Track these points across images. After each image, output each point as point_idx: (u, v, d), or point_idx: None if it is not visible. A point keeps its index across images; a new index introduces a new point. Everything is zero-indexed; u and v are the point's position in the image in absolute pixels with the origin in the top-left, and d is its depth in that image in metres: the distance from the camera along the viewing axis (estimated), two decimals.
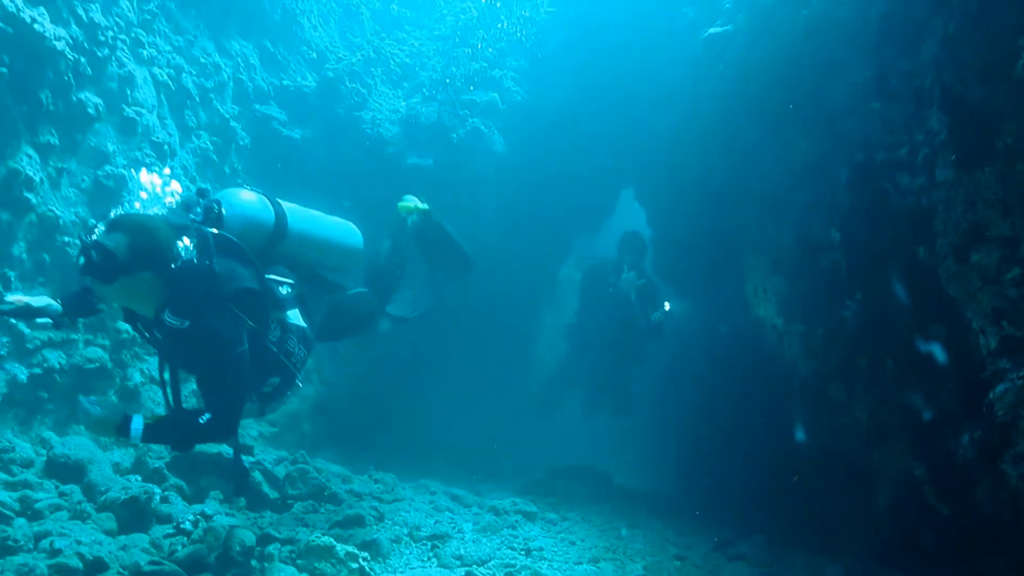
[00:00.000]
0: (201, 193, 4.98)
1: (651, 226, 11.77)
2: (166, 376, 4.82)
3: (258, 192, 5.38)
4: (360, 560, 5.49)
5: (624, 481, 10.76)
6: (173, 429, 4.60)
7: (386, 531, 6.65)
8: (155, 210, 4.74)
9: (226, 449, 7.01)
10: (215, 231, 4.77)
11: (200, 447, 6.74)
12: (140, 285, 4.36)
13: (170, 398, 4.82)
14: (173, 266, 4.41)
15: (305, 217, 5.65)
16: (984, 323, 6.20)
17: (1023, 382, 5.75)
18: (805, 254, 8.60)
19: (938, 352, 7.19)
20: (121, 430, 4.31)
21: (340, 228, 6.03)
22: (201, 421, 4.44)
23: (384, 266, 6.82)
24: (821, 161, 8.26)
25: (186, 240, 4.52)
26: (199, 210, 4.87)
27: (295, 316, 5.29)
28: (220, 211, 4.97)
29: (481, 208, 11.05)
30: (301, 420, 9.34)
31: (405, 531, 6.71)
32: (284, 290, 5.20)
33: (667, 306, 9.49)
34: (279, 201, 5.44)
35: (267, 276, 5.05)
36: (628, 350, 10.03)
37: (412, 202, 7.02)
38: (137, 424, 4.33)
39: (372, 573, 5.64)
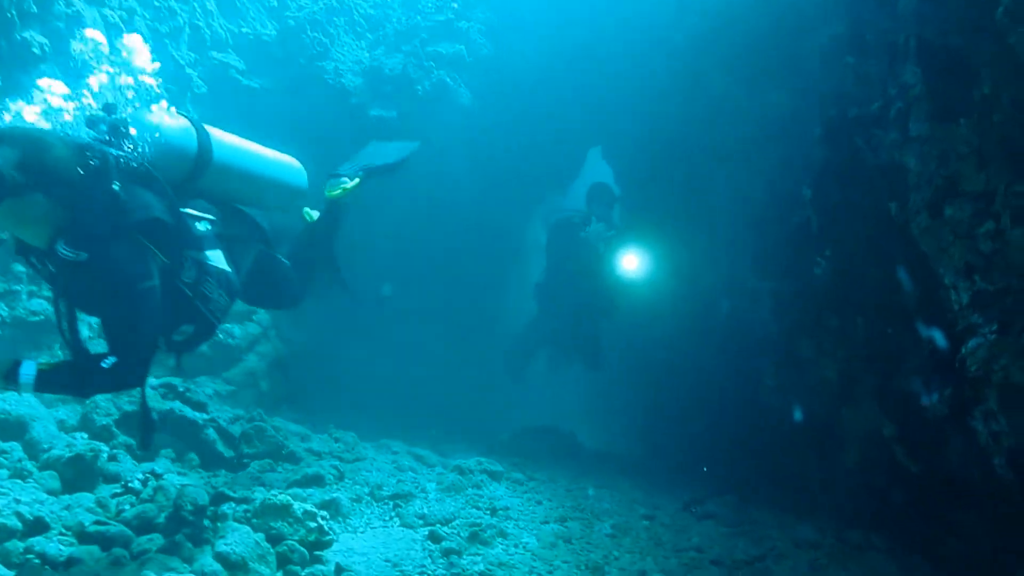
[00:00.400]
0: (108, 109, 4.34)
1: (619, 184, 11.57)
2: (63, 319, 4.22)
3: (184, 115, 4.77)
4: (319, 519, 5.31)
5: (591, 443, 10.65)
6: (71, 375, 4.10)
7: (346, 490, 6.48)
8: (52, 124, 4.12)
9: (179, 405, 6.78)
10: (122, 153, 4.21)
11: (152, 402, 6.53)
12: (30, 209, 3.80)
13: (68, 339, 4.22)
14: (69, 189, 3.87)
15: (238, 150, 5.07)
16: (956, 278, 6.10)
17: (995, 336, 5.66)
18: (776, 210, 8.46)
19: (908, 309, 7.11)
20: (9, 377, 3.84)
21: (280, 165, 5.47)
22: (104, 366, 3.93)
23: (304, 248, 6.14)
24: (794, 116, 8.11)
25: (88, 161, 3.95)
26: (104, 128, 4.25)
27: (216, 258, 4.70)
28: (128, 131, 4.32)
29: (447, 164, 10.79)
30: (258, 378, 9.09)
31: (366, 490, 6.54)
32: (202, 226, 4.64)
33: (635, 260, 9.23)
34: (208, 128, 4.84)
35: (184, 210, 4.48)
36: (597, 304, 9.79)
37: (341, 188, 6.23)
38: (28, 370, 3.84)
39: (331, 532, 5.46)
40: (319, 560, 5.16)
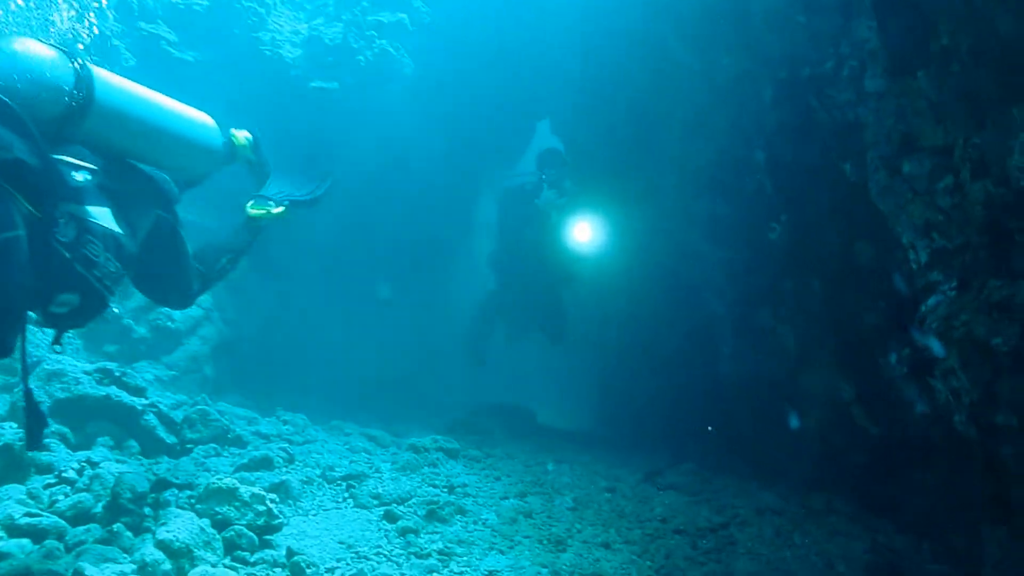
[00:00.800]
0: None
1: (569, 154, 11.36)
2: None
3: (60, 49, 3.96)
4: (267, 502, 5.04)
5: (548, 419, 10.50)
6: None
7: (297, 472, 6.22)
8: None
9: (115, 390, 6.44)
10: None
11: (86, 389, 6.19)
12: None
13: None
14: None
15: (131, 94, 4.34)
16: (914, 236, 6.02)
17: (955, 293, 5.59)
18: (730, 176, 8.34)
19: (866, 271, 7.05)
20: None
21: (185, 120, 4.74)
22: None
23: (216, 254, 5.39)
24: (745, 79, 7.96)
25: None
26: None
27: (102, 216, 3.95)
28: None
29: (391, 137, 10.49)
30: (202, 363, 8.74)
31: (317, 472, 6.28)
32: (80, 177, 3.91)
33: (587, 230, 8.99)
34: (95, 68, 4.11)
35: (56, 156, 3.78)
36: (556, 272, 9.53)
37: (265, 209, 5.63)
38: None
39: (282, 516, 5.20)
40: (269, 544, 4.90)
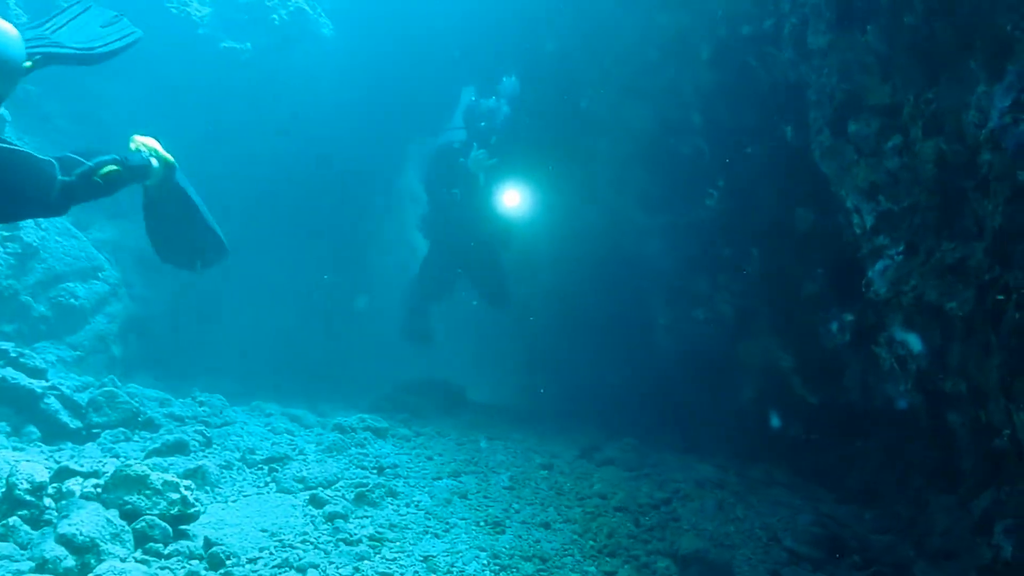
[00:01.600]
0: None
1: (497, 120, 10.93)
2: None
3: None
4: (182, 489, 4.59)
5: (479, 396, 10.14)
6: None
7: (215, 457, 5.76)
8: None
9: (12, 372, 5.88)
10: None
11: None
12: None
13: None
14: None
15: None
16: (859, 200, 5.84)
17: (903, 258, 5.43)
18: (665, 141, 8.08)
19: (806, 237, 6.88)
20: None
21: None
22: None
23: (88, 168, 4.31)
24: (682, 38, 7.68)
25: None
26: None
27: None
28: None
29: (307, 103, 9.92)
30: (109, 342, 8.11)
31: (237, 456, 5.83)
32: None
33: (517, 196, 8.53)
34: None
35: None
36: (491, 233, 9.05)
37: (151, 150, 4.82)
38: None
39: (198, 504, 4.76)
40: (184, 535, 4.46)
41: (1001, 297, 4.30)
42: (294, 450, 6.15)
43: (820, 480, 6.66)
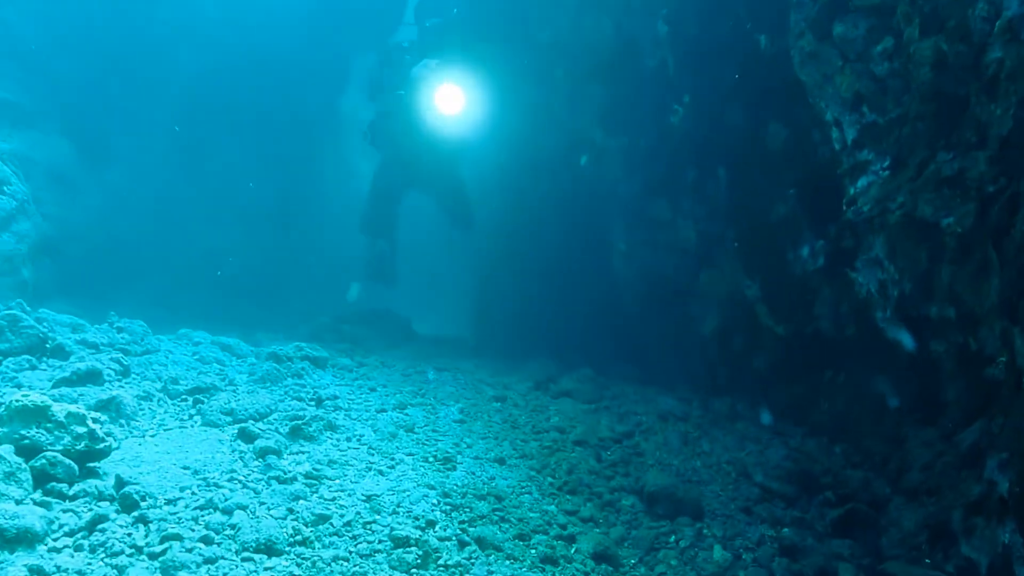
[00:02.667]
0: None
1: (442, 34, 10.21)
2: None
3: None
4: (89, 423, 4.03)
5: (426, 328, 9.63)
6: None
7: (132, 387, 5.17)
8: None
9: None
10: None
11: None
12: None
13: None
14: None
15: None
16: (840, 111, 5.40)
17: (889, 173, 5.02)
18: (626, 55, 7.53)
19: (778, 156, 6.43)
20: None
21: None
22: None
23: None
24: None
25: None
26: None
27: None
28: None
29: (247, 8, 9.14)
30: (18, 264, 7.36)
31: (158, 386, 5.25)
32: None
33: (465, 105, 7.77)
34: None
35: None
36: (442, 144, 8.36)
37: None
38: None
39: (110, 439, 4.21)
40: (93, 473, 3.92)
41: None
42: (223, 380, 5.60)
43: (787, 414, 6.31)
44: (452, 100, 7.73)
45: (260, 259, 10.12)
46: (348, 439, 4.84)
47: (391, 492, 4.15)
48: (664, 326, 7.57)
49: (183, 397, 5.19)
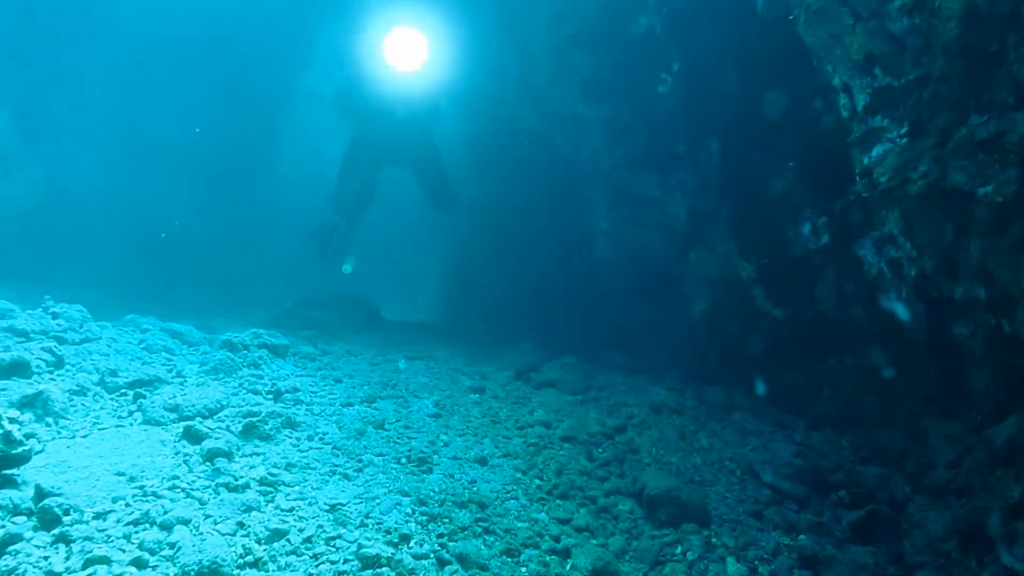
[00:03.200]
0: None
1: None
2: None
3: None
4: (6, 423, 3.47)
5: (396, 314, 9.07)
6: None
7: (65, 380, 4.59)
8: None
9: None
10: None
11: None
12: None
13: None
14: None
15: None
16: (850, 75, 4.93)
17: (907, 140, 4.56)
18: (611, 18, 7.01)
19: (776, 126, 5.96)
20: None
21: None
22: None
23: None
24: None
25: None
26: None
27: None
28: None
29: None
30: None
31: (95, 379, 4.67)
32: None
33: (422, 47, 7.06)
34: None
35: None
36: (416, 108, 7.71)
37: None
38: None
39: (32, 440, 3.69)
40: (10, 482, 3.38)
41: None
42: (170, 372, 5.03)
43: (787, 404, 5.86)
44: (413, 49, 7.07)
45: (219, 241, 9.49)
46: (309, 438, 4.30)
47: (358, 500, 3.63)
48: (651, 310, 7.10)
49: (123, 391, 4.61)
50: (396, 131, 7.62)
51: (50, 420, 4.11)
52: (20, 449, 3.47)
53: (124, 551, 2.98)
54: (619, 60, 7.00)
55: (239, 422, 4.21)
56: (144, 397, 4.49)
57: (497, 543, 3.45)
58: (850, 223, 5.31)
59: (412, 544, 3.30)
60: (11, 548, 2.93)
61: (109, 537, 3.06)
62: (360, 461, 4.07)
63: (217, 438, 4.00)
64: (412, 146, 7.82)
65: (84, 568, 2.86)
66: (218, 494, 3.52)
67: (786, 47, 5.63)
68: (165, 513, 3.28)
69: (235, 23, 9.27)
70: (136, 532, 3.13)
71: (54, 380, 4.58)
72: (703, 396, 5.94)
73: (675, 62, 6.64)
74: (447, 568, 3.17)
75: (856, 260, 5.30)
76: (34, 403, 4.12)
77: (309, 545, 3.18)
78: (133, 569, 2.88)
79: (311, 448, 4.15)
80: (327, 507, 3.52)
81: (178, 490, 3.53)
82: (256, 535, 3.19)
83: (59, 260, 7.66)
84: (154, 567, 2.91)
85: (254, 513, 3.40)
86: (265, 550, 3.12)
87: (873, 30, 4.71)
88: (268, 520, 3.32)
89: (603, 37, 7.07)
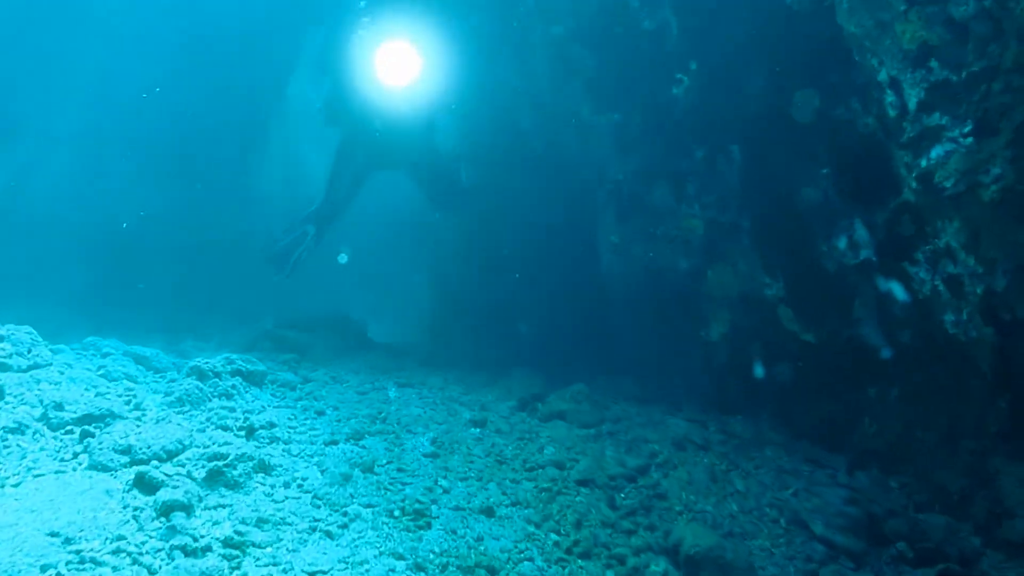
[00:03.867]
0: None
1: None
2: None
3: None
4: None
5: (384, 335, 8.42)
6: None
7: (1, 415, 3.93)
8: None
9: None
10: None
11: None
12: None
13: None
14: None
15: None
16: (901, 68, 4.37)
17: (973, 140, 3.99)
18: (620, 16, 6.44)
19: (807, 129, 5.39)
20: None
21: None
22: None
23: None
24: None
25: None
26: None
27: None
28: None
29: None
30: None
31: (36, 414, 4.01)
32: None
33: (414, 62, 6.42)
34: None
35: None
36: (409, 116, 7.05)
37: None
38: None
39: None
40: None
41: None
42: (128, 405, 4.37)
43: (821, 436, 5.26)
44: (404, 64, 6.45)
45: (194, 256, 8.83)
46: (286, 484, 3.66)
47: (343, 565, 3.00)
48: (663, 332, 6.49)
49: (68, 428, 3.96)
50: (387, 142, 6.97)
51: None
52: None
53: None
54: (629, 58, 6.42)
55: (203, 466, 3.57)
56: (93, 436, 3.83)
57: None
58: (897, 235, 4.74)
59: None
60: None
61: None
62: (345, 514, 3.43)
63: (175, 487, 3.36)
64: (406, 152, 7.17)
65: None
66: (172, 559, 2.90)
67: (820, 41, 5.10)
68: None
69: (213, 22, 8.67)
70: None
71: None
72: (728, 428, 5.35)
73: (692, 61, 6.08)
74: None
75: (904, 277, 4.73)
76: None
77: None
78: None
79: (287, 498, 3.51)
80: (306, 575, 2.89)
81: (123, 555, 2.91)
82: None
83: (20, 274, 6.99)
84: None
85: None
86: None
87: (930, 16, 4.16)
88: None
89: (610, 32, 6.50)
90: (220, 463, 3.59)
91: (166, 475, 3.47)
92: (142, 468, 3.50)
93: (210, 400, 4.64)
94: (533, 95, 7.31)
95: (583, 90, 6.82)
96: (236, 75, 9.40)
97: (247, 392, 4.89)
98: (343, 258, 7.87)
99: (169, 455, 3.70)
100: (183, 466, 3.60)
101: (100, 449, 3.67)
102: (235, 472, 3.56)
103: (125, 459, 3.63)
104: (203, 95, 8.96)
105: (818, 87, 5.28)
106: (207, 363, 5.06)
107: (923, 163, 4.21)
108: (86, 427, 3.94)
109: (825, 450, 5.20)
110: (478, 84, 7.19)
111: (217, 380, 4.90)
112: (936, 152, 4.16)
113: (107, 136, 7.89)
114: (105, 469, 3.56)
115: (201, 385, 4.76)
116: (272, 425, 4.35)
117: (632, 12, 6.35)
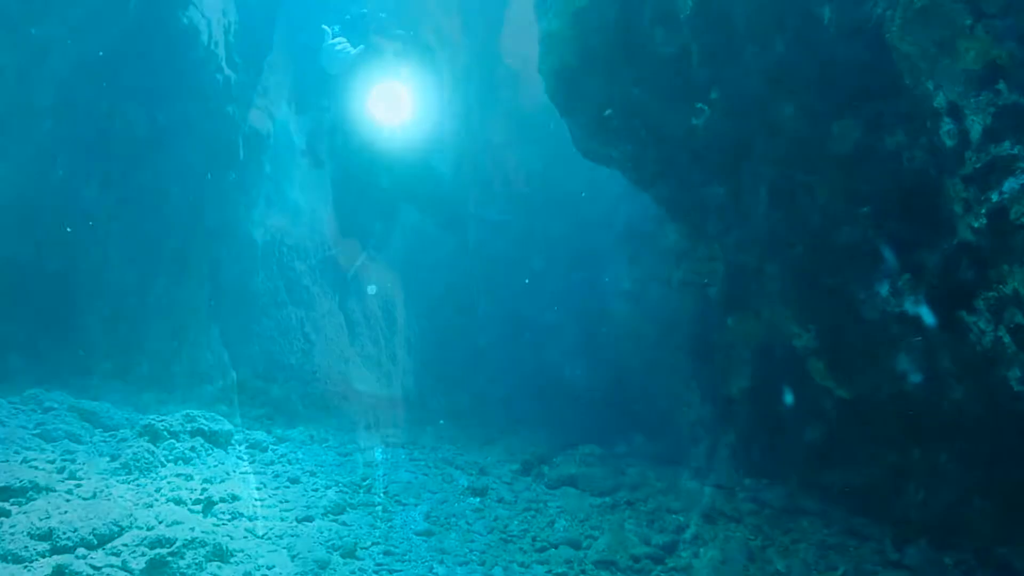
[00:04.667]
0: None
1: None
2: None
3: None
4: None
5: (369, 385, 7.76)
6: None
7: None
8: None
9: None
10: None
11: None
12: None
13: None
14: None
15: None
16: (963, 92, 3.86)
17: None
18: (636, 38, 5.94)
19: (846, 161, 4.86)
20: None
21: None
22: None
23: None
24: None
25: None
26: None
27: None
28: None
29: None
30: None
31: None
32: None
33: (393, 94, 5.88)
34: None
35: None
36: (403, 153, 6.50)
37: None
38: None
39: None
40: None
41: None
42: (62, 472, 3.71)
43: (859, 504, 4.67)
44: (395, 104, 5.90)
45: (160, 292, 8.15)
46: None
47: None
48: (677, 385, 5.91)
49: None
50: (381, 183, 6.42)
51: None
52: None
53: None
54: (643, 87, 5.91)
55: (142, 554, 2.92)
56: (7, 515, 3.17)
57: None
58: (953, 280, 4.19)
59: None
60: None
61: None
62: None
63: None
64: (414, 174, 6.61)
65: None
66: None
67: (860, 65, 4.59)
68: None
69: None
70: None
71: None
72: (759, 497, 4.74)
73: (713, 90, 5.57)
74: None
75: (959, 327, 4.16)
76: None
77: None
78: None
79: None
80: None
81: None
82: None
83: None
84: None
85: None
86: None
87: (1001, 31, 3.66)
88: None
89: (622, 58, 6.00)
90: (164, 551, 2.95)
91: (93, 568, 2.82)
92: (63, 557, 2.85)
93: (163, 466, 4.00)
94: (531, 128, 6.80)
95: (590, 121, 6.31)
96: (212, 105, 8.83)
97: (208, 455, 4.26)
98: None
99: (101, 540, 3.04)
100: (118, 554, 2.95)
101: (14, 532, 3.00)
102: (183, 562, 2.92)
103: (44, 545, 2.97)
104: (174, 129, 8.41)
105: (858, 117, 4.77)
106: (162, 421, 4.43)
107: (994, 197, 3.67)
108: (6, 503, 3.28)
109: (865, 519, 4.62)
110: (473, 119, 6.68)
111: (174, 441, 4.27)
112: (1010, 185, 3.63)
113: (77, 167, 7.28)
114: (17, 560, 2.89)
115: (153, 448, 4.12)
116: (235, 497, 3.70)
117: (649, 35, 5.86)
